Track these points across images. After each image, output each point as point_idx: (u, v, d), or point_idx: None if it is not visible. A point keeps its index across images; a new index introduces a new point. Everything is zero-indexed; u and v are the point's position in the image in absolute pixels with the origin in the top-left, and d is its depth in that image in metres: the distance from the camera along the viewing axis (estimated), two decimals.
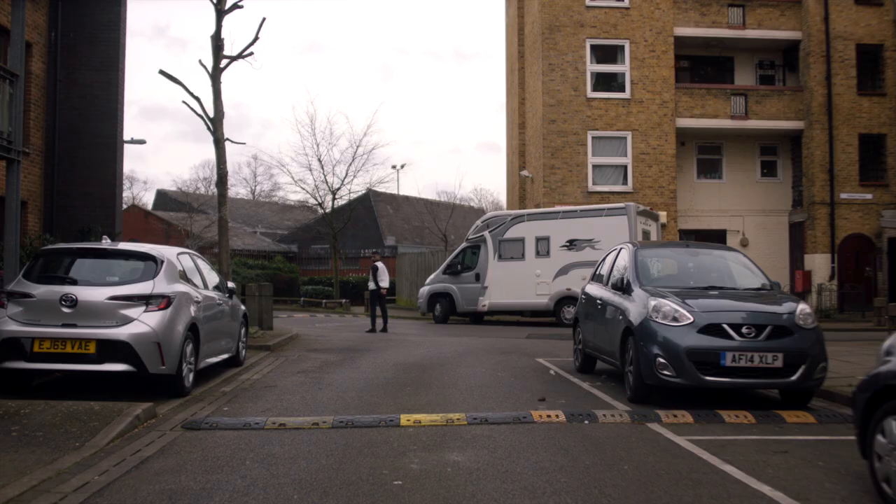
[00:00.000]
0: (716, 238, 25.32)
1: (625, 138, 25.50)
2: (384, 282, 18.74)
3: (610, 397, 8.46)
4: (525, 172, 27.55)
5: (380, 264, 18.89)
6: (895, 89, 25.77)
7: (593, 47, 25.72)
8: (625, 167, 25.58)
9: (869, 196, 25.56)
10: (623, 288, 8.91)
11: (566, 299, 19.95)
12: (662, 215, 23.71)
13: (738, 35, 26.22)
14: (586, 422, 7.04)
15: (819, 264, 25.37)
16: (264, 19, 16.50)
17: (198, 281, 9.33)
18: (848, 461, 5.64)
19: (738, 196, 26.97)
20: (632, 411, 7.47)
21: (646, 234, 20.04)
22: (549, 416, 7.17)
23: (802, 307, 7.98)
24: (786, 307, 7.92)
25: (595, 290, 10.23)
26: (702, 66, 27.78)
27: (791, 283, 25.79)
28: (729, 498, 4.79)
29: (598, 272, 10.66)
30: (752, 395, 8.75)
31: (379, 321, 18.64)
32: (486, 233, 21.76)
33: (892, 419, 4.58)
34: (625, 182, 25.54)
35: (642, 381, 7.90)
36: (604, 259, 10.69)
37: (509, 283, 20.99)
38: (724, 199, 26.98)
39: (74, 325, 7.61)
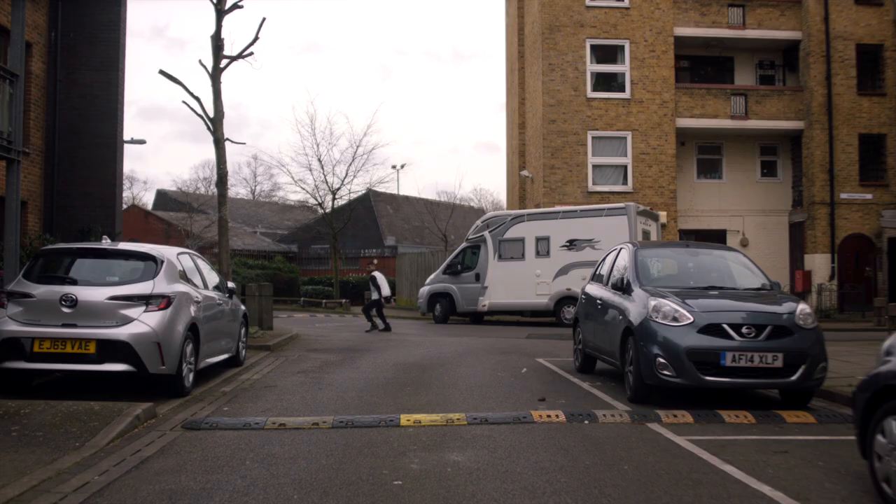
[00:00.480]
0: (716, 238, 25.32)
1: (625, 138, 25.49)
2: (385, 290, 18.87)
3: (610, 397, 8.46)
4: (525, 172, 27.55)
5: (377, 273, 18.95)
6: (895, 89, 25.77)
7: (593, 47, 25.72)
8: (625, 167, 25.58)
9: (869, 196, 25.56)
10: (623, 288, 8.91)
11: (566, 299, 19.95)
12: (662, 215, 23.70)
13: (738, 35, 26.22)
14: (586, 422, 7.04)
15: (819, 264, 25.37)
16: (264, 19, 16.52)
17: (198, 281, 9.33)
18: (848, 461, 5.64)
19: (738, 196, 26.97)
20: (632, 411, 7.47)
21: (646, 234, 20.03)
22: (549, 416, 7.17)
23: (802, 307, 7.98)
24: (786, 307, 7.92)
25: (595, 290, 10.23)
26: (702, 66, 27.77)
27: (791, 283, 25.79)
28: (729, 498, 4.79)
29: (598, 272, 10.66)
30: (752, 395, 8.75)
31: (378, 321, 18.76)
32: (486, 233, 21.76)
33: (892, 419, 4.58)
34: (625, 182, 25.54)
35: (642, 381, 7.90)
36: (604, 259, 10.69)
37: (509, 283, 20.99)
38: (724, 199, 26.97)
39: (74, 325, 7.61)
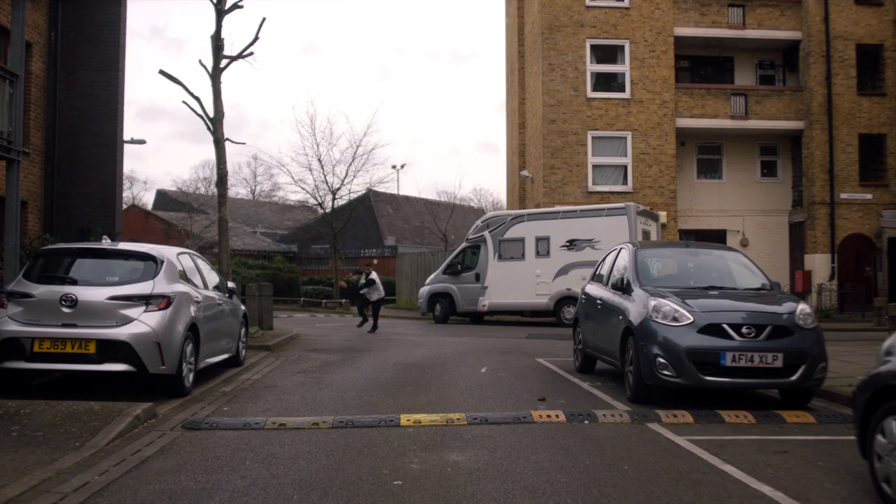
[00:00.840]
0: (716, 238, 25.32)
1: (625, 138, 25.49)
2: (375, 294, 18.85)
3: (610, 397, 8.46)
4: (525, 172, 27.55)
5: (375, 276, 18.89)
6: (895, 89, 25.77)
7: (593, 47, 25.72)
8: (625, 167, 25.58)
9: (869, 196, 25.56)
10: (623, 288, 8.91)
11: (566, 299, 19.95)
12: (662, 215, 23.70)
13: (738, 35, 26.22)
14: (586, 422, 7.04)
15: (819, 264, 25.37)
16: (264, 19, 16.52)
17: (198, 281, 9.33)
18: (848, 461, 5.64)
19: (738, 196, 26.97)
20: (632, 411, 7.47)
21: (646, 234, 20.03)
22: (549, 416, 7.17)
23: (802, 307, 7.98)
24: (786, 307, 7.92)
25: (595, 290, 10.23)
26: (702, 66, 27.77)
27: (791, 283, 25.79)
28: (729, 498, 4.79)
29: (597, 272, 10.66)
30: (752, 395, 8.75)
31: (368, 316, 18.73)
32: (486, 233, 21.76)
33: (892, 419, 4.58)
34: (625, 182, 25.54)
35: (642, 381, 7.90)
36: (604, 259, 10.69)
37: (509, 283, 20.99)
38: (724, 199, 26.98)
39: (74, 325, 7.61)
